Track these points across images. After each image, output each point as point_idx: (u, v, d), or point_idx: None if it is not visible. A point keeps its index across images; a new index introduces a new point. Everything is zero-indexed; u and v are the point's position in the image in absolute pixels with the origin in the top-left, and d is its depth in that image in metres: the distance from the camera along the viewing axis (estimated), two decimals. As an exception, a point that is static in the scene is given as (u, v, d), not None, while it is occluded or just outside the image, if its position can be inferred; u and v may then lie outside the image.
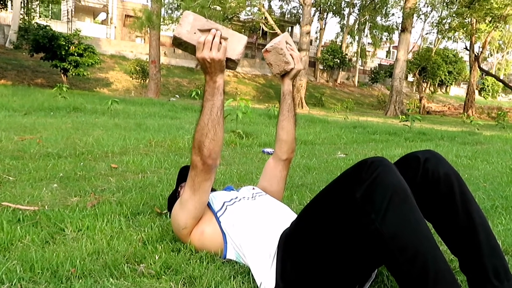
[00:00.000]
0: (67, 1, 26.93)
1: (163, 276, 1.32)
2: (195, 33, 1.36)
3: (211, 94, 1.37)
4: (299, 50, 20.93)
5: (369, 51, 39.92)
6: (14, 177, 2.62)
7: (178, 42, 1.39)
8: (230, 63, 1.42)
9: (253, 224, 1.39)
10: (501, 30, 27.47)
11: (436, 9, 27.33)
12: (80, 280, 1.27)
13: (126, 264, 1.39)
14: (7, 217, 1.80)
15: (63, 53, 15.57)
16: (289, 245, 1.21)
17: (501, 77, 34.11)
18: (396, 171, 1.05)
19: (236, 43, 1.40)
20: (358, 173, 1.05)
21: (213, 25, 1.37)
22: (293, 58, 1.64)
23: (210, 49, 1.34)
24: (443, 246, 1.31)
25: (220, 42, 1.36)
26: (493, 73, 36.04)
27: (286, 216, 1.45)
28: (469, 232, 1.16)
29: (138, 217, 1.93)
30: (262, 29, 24.72)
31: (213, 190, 1.79)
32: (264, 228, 1.36)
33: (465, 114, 22.28)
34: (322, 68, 34.29)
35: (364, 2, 30.91)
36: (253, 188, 1.70)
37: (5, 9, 19.31)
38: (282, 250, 1.23)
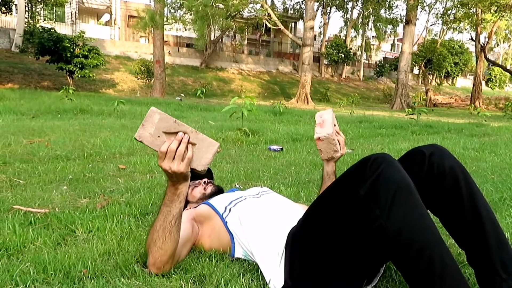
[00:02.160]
0: (70, 3, 27.05)
1: (173, 275, 1.34)
2: (159, 136, 1.22)
3: (170, 200, 1.27)
4: (303, 45, 20.86)
5: (373, 45, 39.67)
6: (25, 180, 2.66)
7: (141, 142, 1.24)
8: (196, 171, 1.27)
9: (260, 221, 1.40)
10: (507, 20, 27.16)
11: (440, 0, 27.11)
12: (92, 281, 1.29)
13: (136, 264, 1.41)
14: (19, 220, 1.83)
15: (68, 55, 15.69)
16: (297, 242, 1.23)
17: (508, 67, 33.72)
18: (400, 167, 1.06)
19: (204, 151, 1.25)
20: (362, 170, 1.06)
21: (181, 127, 1.23)
22: (339, 144, 1.65)
23: (173, 159, 1.21)
24: (451, 239, 1.32)
25: (187, 150, 1.22)
26: (500, 63, 35.66)
27: (294, 213, 1.46)
28: (476, 226, 1.17)
29: (147, 217, 1.95)
30: (266, 25, 24.68)
31: (220, 192, 1.81)
32: (271, 226, 1.37)
33: (472, 105, 22.10)
34: (326, 63, 34.16)
35: (367, -5, 30.70)
36: (261, 187, 1.71)
37: (10, 13, 19.43)
38: (290, 247, 1.24)
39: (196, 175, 1.58)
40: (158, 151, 1.21)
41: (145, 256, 1.48)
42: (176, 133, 1.22)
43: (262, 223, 1.40)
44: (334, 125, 1.62)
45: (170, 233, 1.27)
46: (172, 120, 1.23)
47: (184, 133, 1.22)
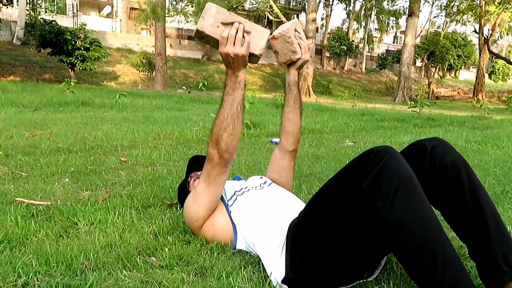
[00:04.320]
0: (71, -4, 26.94)
1: (175, 267, 1.35)
2: (218, 26, 1.34)
3: (232, 89, 1.37)
4: (305, 37, 20.75)
5: (376, 37, 39.43)
6: (27, 172, 2.67)
7: (200, 36, 1.37)
8: (253, 58, 1.41)
9: (262, 214, 1.41)
10: (511, 12, 26.94)
11: (444, -8, 26.86)
12: (94, 273, 1.29)
13: (138, 256, 1.42)
14: (21, 212, 1.84)
15: (70, 47, 15.66)
16: (298, 234, 1.23)
17: (512, 60, 33.51)
18: (403, 160, 1.05)
19: (258, 38, 1.39)
20: (365, 163, 1.06)
21: (236, 18, 1.36)
22: (300, 48, 1.60)
23: (234, 44, 1.33)
24: (452, 233, 1.31)
25: (243, 37, 1.34)
26: (503, 55, 35.43)
27: (294, 206, 1.46)
28: (477, 219, 1.17)
29: (148, 210, 1.95)
30: (268, 17, 24.54)
31: None
32: (273, 218, 1.37)
33: (475, 98, 22.00)
34: (329, 55, 33.99)
35: (370, -13, 30.48)
36: (261, 178, 1.71)
37: (11, 5, 19.37)
38: (291, 240, 1.24)
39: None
40: (220, 37, 1.34)
41: (147, 248, 1.48)
42: (232, 23, 1.35)
43: (263, 215, 1.40)
44: (298, 32, 1.60)
45: (238, 118, 1.38)
46: (227, 12, 1.36)
47: (239, 23, 1.35)
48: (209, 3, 1.38)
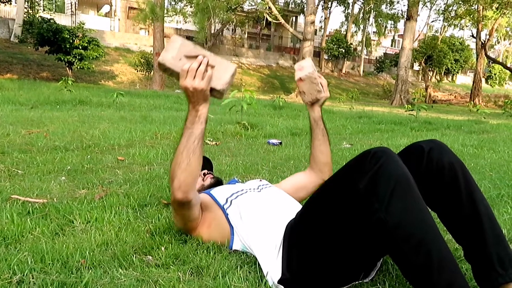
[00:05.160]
0: (70, -6, 26.88)
1: (171, 266, 1.35)
2: (180, 59, 1.32)
3: (191, 123, 1.33)
4: (304, 40, 20.78)
5: (374, 40, 39.54)
6: (23, 170, 2.65)
7: (163, 68, 1.34)
8: (215, 92, 1.36)
9: (259, 215, 1.41)
10: (509, 17, 27.07)
11: (442, -3, 26.98)
12: (90, 271, 1.29)
13: (134, 255, 1.42)
14: (17, 209, 1.83)
15: (68, 46, 15.59)
16: (295, 235, 1.23)
17: (509, 65, 33.64)
18: (400, 161, 1.06)
19: (223, 72, 1.34)
20: (362, 164, 1.06)
21: (201, 51, 1.33)
22: (322, 86, 1.65)
23: (194, 78, 1.29)
24: (448, 235, 1.32)
25: (206, 70, 1.31)
26: (500, 60, 35.63)
27: (292, 207, 1.46)
28: (473, 221, 1.17)
29: (145, 209, 1.95)
30: (266, 19, 24.57)
31: (219, 183, 1.81)
32: (270, 219, 1.38)
33: (472, 102, 22.12)
34: (327, 58, 34.05)
35: (369, -10, 30.56)
36: (260, 180, 1.71)
37: (9, 2, 19.31)
38: (287, 240, 1.25)
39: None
40: (180, 70, 1.31)
41: (143, 247, 1.48)
42: (196, 57, 1.32)
43: (260, 217, 1.40)
44: (314, 70, 1.64)
45: (194, 153, 1.33)
46: (192, 45, 1.34)
47: (204, 56, 1.32)
48: (175, 36, 1.36)
